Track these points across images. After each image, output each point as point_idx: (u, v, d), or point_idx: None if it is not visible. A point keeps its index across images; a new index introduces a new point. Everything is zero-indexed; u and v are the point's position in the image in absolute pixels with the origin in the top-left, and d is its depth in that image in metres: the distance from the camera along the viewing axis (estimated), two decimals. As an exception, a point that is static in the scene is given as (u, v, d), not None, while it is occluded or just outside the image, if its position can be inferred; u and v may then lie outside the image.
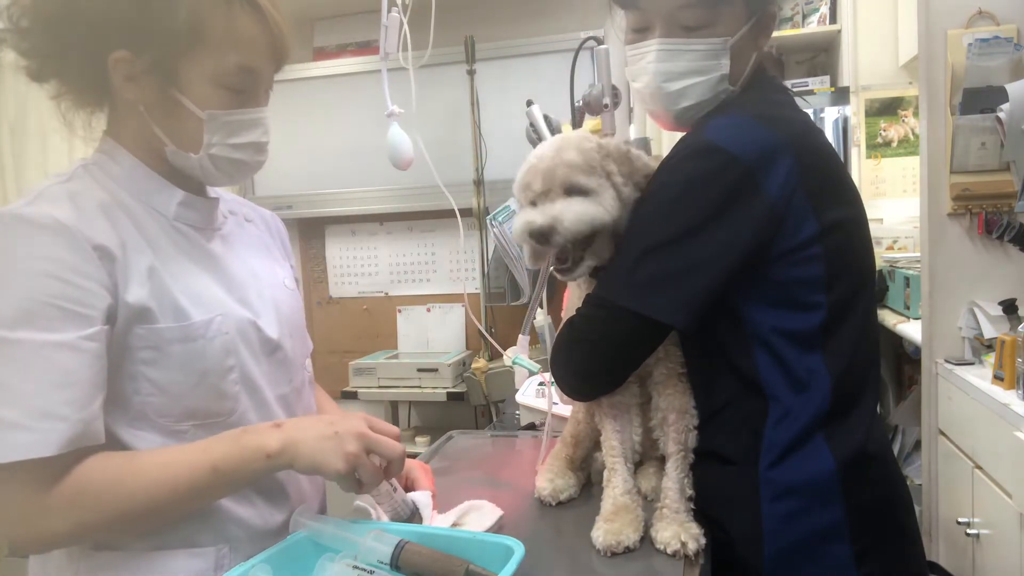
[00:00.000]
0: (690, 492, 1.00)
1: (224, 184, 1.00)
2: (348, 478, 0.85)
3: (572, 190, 0.95)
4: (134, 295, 0.86)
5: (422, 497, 1.02)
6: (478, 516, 1.03)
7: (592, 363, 1.00)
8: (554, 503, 1.08)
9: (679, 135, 1.03)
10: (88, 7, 0.86)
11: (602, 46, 1.65)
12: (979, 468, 1.82)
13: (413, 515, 0.97)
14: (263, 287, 1.03)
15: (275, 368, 1.01)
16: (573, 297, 1.10)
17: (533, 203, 0.97)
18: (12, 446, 0.76)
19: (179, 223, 0.96)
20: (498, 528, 1.01)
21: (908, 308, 2.44)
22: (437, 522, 1.00)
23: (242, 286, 0.99)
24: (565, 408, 1.27)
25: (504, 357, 1.53)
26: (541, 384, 1.63)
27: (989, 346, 1.94)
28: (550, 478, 1.10)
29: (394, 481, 0.93)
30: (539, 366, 1.37)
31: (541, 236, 0.93)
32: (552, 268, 1.04)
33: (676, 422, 1.01)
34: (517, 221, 0.96)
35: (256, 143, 0.96)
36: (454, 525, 1.00)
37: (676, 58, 1.00)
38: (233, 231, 1.05)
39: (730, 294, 0.96)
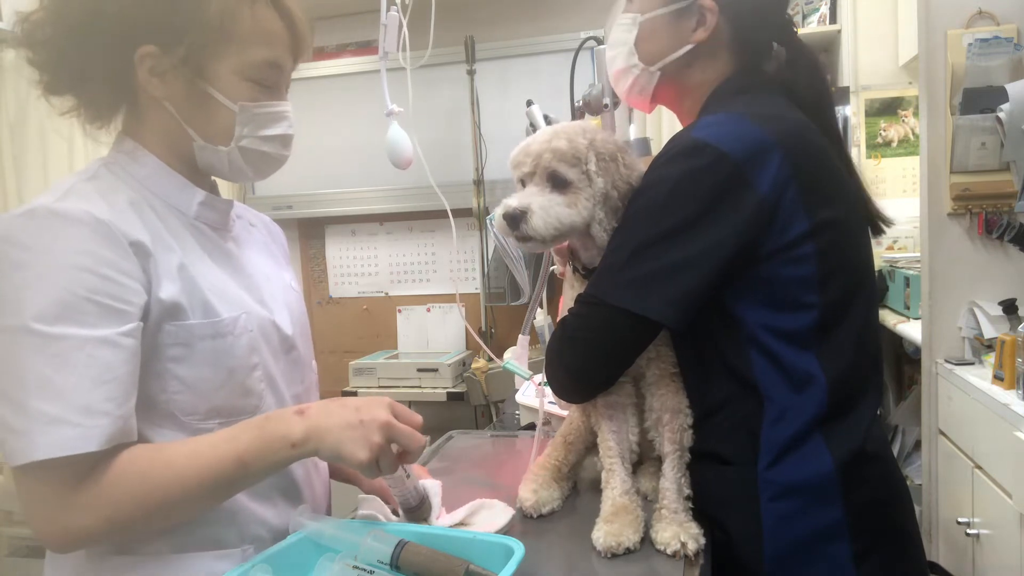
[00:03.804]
0: (688, 492, 1.00)
1: (248, 180, 1.00)
2: (369, 466, 0.85)
3: (554, 178, 0.98)
4: (167, 291, 0.86)
5: (432, 486, 1.01)
6: (489, 515, 1.02)
7: (584, 362, 1.00)
8: (535, 515, 1.07)
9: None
10: (114, 5, 0.87)
11: (602, 46, 1.65)
12: (979, 468, 1.82)
13: (422, 503, 0.96)
14: (275, 288, 1.04)
15: (291, 367, 1.03)
16: (567, 298, 1.10)
17: (522, 182, 1.01)
18: (55, 442, 0.76)
19: (199, 222, 0.97)
20: (509, 528, 1.01)
21: (908, 308, 2.45)
22: (446, 519, 1.00)
23: (258, 286, 1.00)
24: (563, 408, 1.26)
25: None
26: (542, 383, 1.63)
27: (989, 346, 1.94)
28: (534, 489, 1.08)
29: (408, 468, 0.93)
30: (530, 372, 1.37)
31: (512, 220, 0.96)
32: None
33: (671, 422, 1.01)
34: (499, 207, 0.99)
35: (283, 136, 0.97)
36: (463, 522, 1.00)
37: (614, 29, 1.13)
38: (241, 234, 1.07)
39: (723, 293, 0.96)
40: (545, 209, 0.96)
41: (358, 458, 0.83)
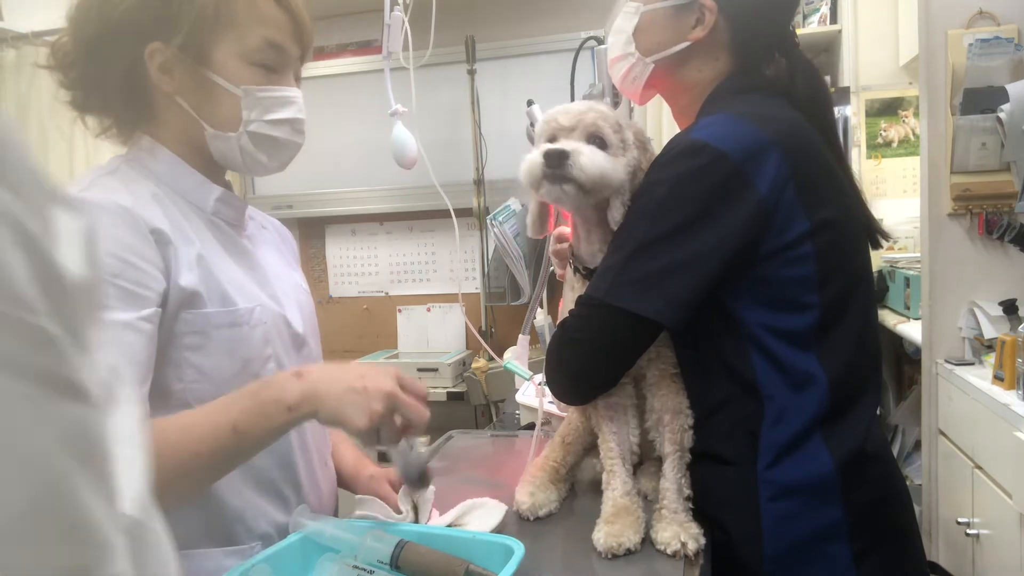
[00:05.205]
0: (688, 492, 1.00)
1: (265, 169, 1.00)
2: (368, 435, 0.83)
3: (594, 137, 0.97)
4: (186, 279, 0.88)
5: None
6: (484, 513, 1.02)
7: (584, 363, 1.00)
8: (532, 518, 1.06)
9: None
10: (119, 12, 0.90)
11: (602, 46, 1.65)
12: (979, 468, 1.82)
13: (424, 475, 0.94)
14: (286, 286, 1.06)
15: (302, 363, 1.04)
16: (567, 300, 1.10)
17: (552, 139, 0.99)
18: None
19: (216, 218, 0.99)
20: (503, 525, 1.01)
21: (908, 308, 2.45)
22: (438, 522, 1.00)
23: (271, 283, 1.02)
24: (563, 409, 1.26)
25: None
26: (541, 383, 1.63)
27: (989, 346, 1.94)
28: (531, 491, 1.08)
29: (412, 440, 0.92)
30: (530, 373, 1.36)
31: (556, 157, 0.93)
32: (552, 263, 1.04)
33: (671, 422, 1.01)
34: (530, 153, 0.96)
35: (292, 120, 0.98)
36: (456, 523, 1.00)
37: (619, 16, 1.12)
38: (254, 233, 1.09)
39: (723, 294, 0.96)
40: (593, 152, 0.95)
41: (357, 425, 0.80)
